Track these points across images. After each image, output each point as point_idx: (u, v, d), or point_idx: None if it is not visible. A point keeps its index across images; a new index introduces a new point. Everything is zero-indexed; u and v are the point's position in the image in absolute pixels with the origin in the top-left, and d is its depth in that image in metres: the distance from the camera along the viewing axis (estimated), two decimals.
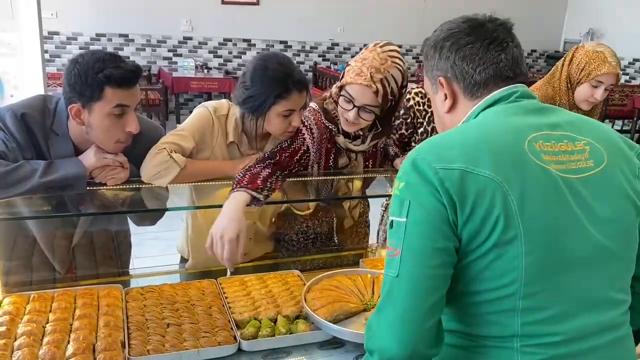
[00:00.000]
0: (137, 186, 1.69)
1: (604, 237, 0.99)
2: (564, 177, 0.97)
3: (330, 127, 1.81)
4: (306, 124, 1.81)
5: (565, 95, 2.30)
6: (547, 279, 0.95)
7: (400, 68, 1.70)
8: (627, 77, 9.21)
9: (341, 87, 1.73)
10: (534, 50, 10.06)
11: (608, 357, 1.00)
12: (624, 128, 8.76)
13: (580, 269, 0.97)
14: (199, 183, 1.79)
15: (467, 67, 1.08)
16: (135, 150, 1.73)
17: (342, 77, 1.74)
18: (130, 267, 2.02)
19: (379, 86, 1.65)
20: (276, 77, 1.68)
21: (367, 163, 1.97)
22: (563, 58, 2.35)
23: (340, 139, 1.83)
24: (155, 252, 3.38)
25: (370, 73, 1.65)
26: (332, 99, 1.82)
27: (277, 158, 1.79)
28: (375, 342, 0.99)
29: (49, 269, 1.82)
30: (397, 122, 2.10)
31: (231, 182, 1.73)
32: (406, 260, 0.95)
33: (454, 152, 0.96)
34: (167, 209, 1.80)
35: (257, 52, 8.26)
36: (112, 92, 1.54)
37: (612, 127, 8.58)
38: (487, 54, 1.07)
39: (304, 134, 1.81)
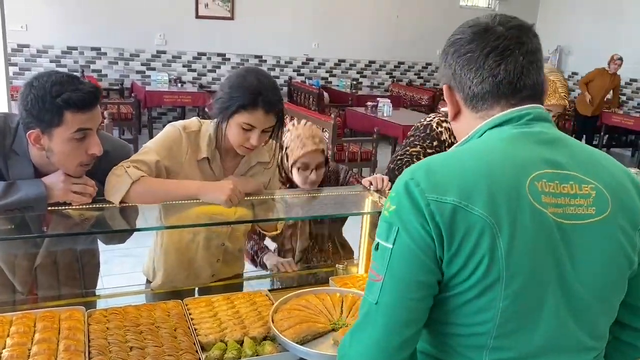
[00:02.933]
0: (102, 205, 1.65)
1: (587, 289, 0.95)
2: (559, 222, 0.92)
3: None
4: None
5: None
6: (521, 322, 0.93)
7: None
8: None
9: (293, 164, 2.07)
10: None
11: None
12: (592, 143, 8.99)
13: (555, 317, 0.94)
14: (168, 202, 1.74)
15: (465, 77, 1.00)
16: (102, 168, 1.70)
17: (288, 157, 2.08)
18: (98, 287, 1.97)
19: (322, 145, 2.08)
20: (248, 89, 1.66)
21: None
22: None
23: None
24: (126, 269, 3.32)
25: (311, 140, 2.05)
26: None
27: None
28: None
29: (10, 290, 1.76)
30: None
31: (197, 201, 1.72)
32: (387, 289, 0.92)
33: (450, 183, 0.90)
34: (135, 229, 1.76)
35: (232, 67, 8.26)
36: (72, 116, 1.49)
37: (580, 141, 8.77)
38: (484, 64, 0.98)
39: None
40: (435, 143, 2.02)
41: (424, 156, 1.92)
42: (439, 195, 0.89)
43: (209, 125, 1.80)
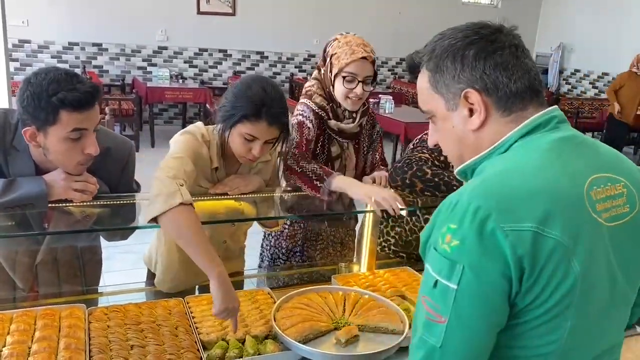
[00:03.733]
0: (104, 202, 1.64)
1: (630, 286, 0.96)
2: (609, 226, 0.90)
3: (321, 114, 1.96)
4: (305, 114, 1.93)
5: None
6: (587, 334, 0.92)
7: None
8: (597, 91, 9.44)
9: (337, 73, 1.89)
10: None
11: None
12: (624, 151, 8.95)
13: (607, 320, 0.94)
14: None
15: (501, 76, 0.94)
16: (105, 166, 1.69)
17: (332, 65, 1.90)
18: (99, 284, 1.96)
19: (373, 55, 1.89)
20: (252, 99, 1.63)
21: (357, 155, 2.11)
22: None
23: (332, 122, 1.97)
24: (127, 265, 3.31)
25: (362, 48, 1.87)
26: (317, 93, 1.97)
27: (304, 149, 1.90)
28: None
29: (11, 287, 1.75)
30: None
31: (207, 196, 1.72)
32: (454, 334, 0.85)
33: (522, 205, 0.83)
34: (137, 227, 1.75)
35: (233, 63, 8.24)
36: (68, 115, 1.46)
37: None
38: (517, 60, 0.95)
39: (309, 127, 1.92)
40: (442, 156, 1.92)
41: (433, 165, 1.87)
42: (515, 223, 0.82)
43: (215, 134, 1.75)
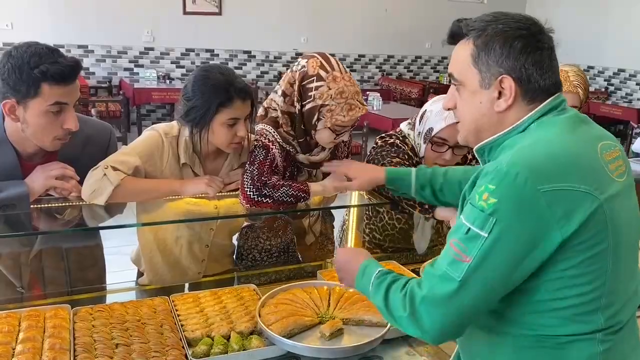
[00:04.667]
0: (83, 203, 1.64)
1: (634, 229, 1.11)
2: (620, 182, 1.06)
3: (287, 148, 1.79)
4: (270, 139, 1.76)
5: None
6: (616, 277, 1.05)
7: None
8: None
9: (328, 127, 1.71)
10: None
11: (634, 330, 1.15)
12: None
13: (633, 262, 1.10)
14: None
15: (536, 72, 1.07)
16: (86, 153, 1.69)
17: (320, 117, 1.69)
18: (86, 285, 1.96)
19: (366, 106, 1.77)
20: (218, 86, 1.65)
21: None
22: None
23: (301, 157, 1.83)
24: (114, 267, 3.30)
25: (357, 101, 1.70)
26: (283, 129, 1.78)
27: (265, 172, 1.73)
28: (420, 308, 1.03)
29: (11, 287, 1.75)
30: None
31: (176, 197, 1.71)
32: (475, 273, 0.99)
33: (554, 168, 0.98)
34: (123, 226, 1.75)
35: (221, 62, 8.21)
36: (49, 88, 1.46)
37: None
38: (551, 62, 1.09)
39: (272, 149, 1.76)
40: (406, 156, 1.93)
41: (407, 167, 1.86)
42: (550, 184, 0.96)
43: (185, 129, 1.76)
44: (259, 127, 1.81)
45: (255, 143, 1.78)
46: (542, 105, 1.08)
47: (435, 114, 1.81)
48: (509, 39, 1.06)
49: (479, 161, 1.21)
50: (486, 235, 0.97)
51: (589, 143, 1.06)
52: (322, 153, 1.86)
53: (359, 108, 1.69)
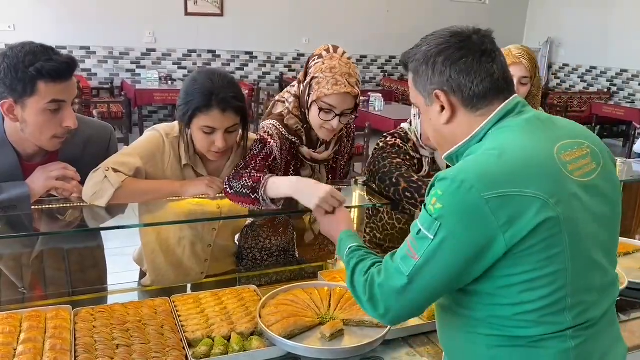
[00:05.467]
0: (84, 204, 1.64)
1: (606, 232, 1.12)
2: (582, 182, 1.08)
3: (292, 139, 1.80)
4: (270, 133, 1.77)
5: None
6: (581, 277, 1.07)
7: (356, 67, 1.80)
8: (585, 85, 9.50)
9: (315, 100, 1.71)
10: None
11: (611, 324, 1.18)
12: None
13: (602, 259, 1.12)
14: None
15: (464, 80, 1.11)
16: (87, 153, 1.69)
17: (311, 89, 1.72)
18: (88, 286, 1.96)
19: (357, 89, 1.72)
20: (200, 91, 1.64)
21: (329, 177, 1.97)
22: None
23: (305, 150, 1.83)
24: (116, 268, 3.31)
25: (346, 79, 1.69)
26: (292, 113, 1.80)
27: (252, 165, 1.72)
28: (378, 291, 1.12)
29: (13, 287, 1.76)
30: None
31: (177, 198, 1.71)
32: (420, 270, 1.05)
33: (500, 175, 1.01)
34: (125, 227, 1.75)
35: (222, 64, 8.23)
36: (45, 86, 1.46)
37: None
38: (480, 66, 1.11)
39: (271, 143, 1.76)
40: (407, 156, 1.92)
41: (408, 167, 1.85)
42: (494, 191, 0.99)
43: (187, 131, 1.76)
44: (263, 122, 1.83)
45: (256, 137, 1.80)
46: (494, 113, 1.12)
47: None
48: (430, 57, 1.14)
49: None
50: (432, 237, 1.03)
51: (545, 145, 1.07)
52: (325, 152, 1.87)
53: (344, 85, 1.67)
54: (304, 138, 1.82)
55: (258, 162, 1.74)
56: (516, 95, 1.15)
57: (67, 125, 1.54)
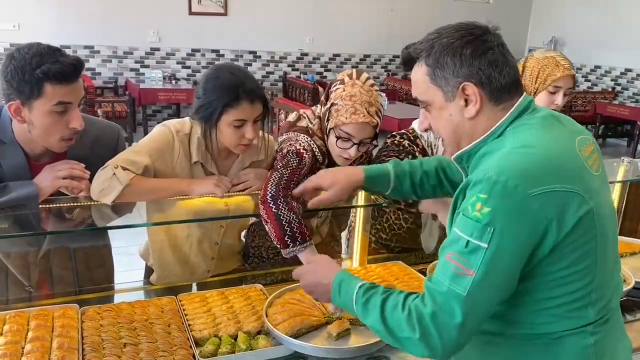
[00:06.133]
0: (91, 203, 1.64)
1: (613, 221, 1.14)
2: (597, 175, 1.09)
3: (318, 157, 1.78)
4: (307, 148, 1.73)
5: None
6: (604, 271, 1.08)
7: (380, 94, 1.77)
8: (589, 84, 9.48)
9: (333, 127, 1.70)
10: None
11: (619, 318, 1.19)
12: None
13: (615, 254, 1.14)
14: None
15: (493, 72, 1.09)
16: (94, 153, 1.70)
17: (329, 118, 1.70)
18: (94, 285, 1.97)
19: (377, 119, 1.70)
20: (226, 86, 1.65)
21: None
22: None
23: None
24: (121, 267, 3.32)
25: (365, 109, 1.66)
26: (317, 135, 1.79)
27: (294, 180, 1.66)
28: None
29: (20, 286, 1.77)
30: None
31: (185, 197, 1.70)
32: (480, 284, 0.98)
33: (541, 172, 0.99)
34: (131, 226, 1.75)
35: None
36: (52, 88, 1.47)
37: None
38: (505, 58, 1.10)
39: (305, 158, 1.72)
40: (411, 157, 1.89)
41: None
42: (537, 187, 0.97)
43: (198, 127, 1.76)
44: (290, 133, 1.78)
45: (289, 148, 1.72)
46: (512, 109, 1.11)
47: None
48: (457, 49, 1.09)
49: (459, 169, 1.21)
50: (486, 245, 0.97)
51: (568, 141, 1.08)
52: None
53: (363, 115, 1.65)
54: (326, 160, 1.81)
55: (296, 177, 1.68)
56: (525, 94, 1.15)
57: (74, 126, 1.55)
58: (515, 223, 0.97)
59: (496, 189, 0.98)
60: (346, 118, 1.66)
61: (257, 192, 1.75)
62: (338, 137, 1.70)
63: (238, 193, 1.79)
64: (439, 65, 1.11)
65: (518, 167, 1.00)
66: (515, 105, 1.11)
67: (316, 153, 1.76)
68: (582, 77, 9.57)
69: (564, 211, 0.99)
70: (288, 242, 1.57)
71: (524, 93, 1.14)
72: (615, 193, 2.49)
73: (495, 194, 0.98)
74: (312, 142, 1.76)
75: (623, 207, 2.50)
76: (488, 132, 1.11)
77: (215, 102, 1.65)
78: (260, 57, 8.49)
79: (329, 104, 1.72)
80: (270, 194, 1.61)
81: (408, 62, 1.18)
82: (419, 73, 1.15)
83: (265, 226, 1.62)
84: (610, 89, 9.02)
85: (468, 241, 0.99)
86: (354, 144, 1.70)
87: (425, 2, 9.13)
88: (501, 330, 1.10)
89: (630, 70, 8.83)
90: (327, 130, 1.74)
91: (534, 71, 2.19)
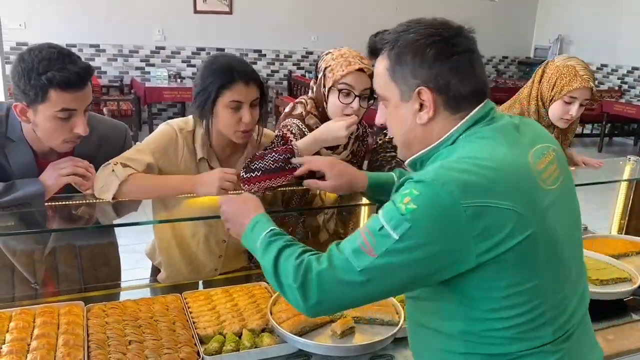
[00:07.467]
0: (97, 200, 1.65)
1: (578, 236, 1.12)
2: (552, 189, 1.03)
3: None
4: (293, 131, 1.81)
5: (535, 114, 2.19)
6: (561, 288, 1.04)
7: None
8: (596, 82, 9.41)
9: (332, 86, 1.75)
10: (505, 57, 10.24)
11: (587, 330, 1.15)
12: (593, 132, 8.95)
13: (577, 267, 1.10)
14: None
15: (454, 79, 1.03)
16: (101, 152, 1.70)
17: (325, 79, 1.77)
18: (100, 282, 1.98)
19: (372, 68, 1.70)
20: (220, 69, 1.67)
21: None
22: (534, 75, 2.25)
23: (323, 151, 1.83)
24: (128, 264, 3.33)
25: (358, 60, 1.75)
26: (311, 113, 1.83)
27: (269, 156, 1.69)
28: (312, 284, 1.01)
29: (10, 286, 1.77)
30: None
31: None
32: (375, 269, 0.96)
33: (480, 184, 0.94)
34: (136, 223, 1.76)
35: None
36: (56, 95, 1.47)
37: (582, 131, 8.77)
38: (470, 66, 1.04)
39: (291, 140, 1.76)
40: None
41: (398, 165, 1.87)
42: (473, 200, 0.93)
43: (201, 125, 1.76)
44: (285, 121, 1.86)
45: (277, 133, 1.82)
46: (468, 116, 1.05)
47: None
48: (420, 48, 1.03)
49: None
50: (397, 237, 0.94)
51: (520, 155, 1.02)
52: (343, 152, 1.88)
53: (358, 64, 1.72)
54: None
55: (276, 149, 1.72)
56: (488, 100, 1.09)
57: (77, 132, 1.55)
58: (433, 229, 0.93)
59: (429, 191, 0.94)
60: (343, 70, 1.73)
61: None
62: (340, 92, 1.74)
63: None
64: (400, 61, 1.05)
65: (458, 176, 0.95)
66: (471, 114, 1.05)
67: (306, 132, 1.80)
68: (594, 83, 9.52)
69: (493, 228, 0.93)
70: (292, 167, 1.61)
71: (486, 100, 1.08)
72: (621, 192, 2.49)
73: (426, 194, 0.94)
74: (300, 124, 1.82)
75: (629, 205, 2.49)
76: (441, 140, 1.06)
77: (211, 85, 1.66)
78: (265, 55, 8.50)
79: (321, 72, 1.79)
80: (245, 174, 1.63)
81: (374, 51, 1.15)
82: (381, 65, 1.10)
83: (272, 186, 1.64)
84: (616, 88, 8.98)
85: (383, 226, 0.96)
86: (356, 95, 1.74)
87: (430, 1, 9.11)
88: (459, 349, 1.06)
89: (637, 69, 8.78)
90: (327, 95, 1.77)
91: (551, 79, 2.13)
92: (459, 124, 1.05)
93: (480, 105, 1.06)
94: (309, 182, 1.59)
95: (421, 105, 1.05)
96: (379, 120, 1.20)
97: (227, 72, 1.65)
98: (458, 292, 1.01)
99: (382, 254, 0.95)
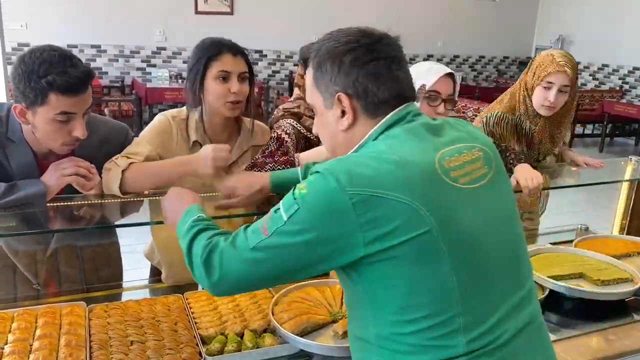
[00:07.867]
0: (99, 201, 1.65)
1: (504, 236, 1.07)
2: (469, 188, 1.02)
3: (309, 136, 1.89)
4: (288, 132, 1.87)
5: (523, 104, 2.25)
6: (479, 293, 1.00)
7: None
8: (597, 82, 9.43)
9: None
10: (506, 57, 10.24)
11: (533, 345, 1.07)
12: (594, 132, 8.95)
13: (504, 276, 1.05)
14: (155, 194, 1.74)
15: (372, 85, 1.05)
16: (102, 152, 1.71)
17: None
18: (101, 283, 1.98)
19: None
20: (208, 43, 1.76)
21: None
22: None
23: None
24: (129, 265, 3.33)
25: None
26: (306, 115, 1.90)
27: (271, 161, 1.78)
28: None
29: (27, 284, 1.78)
30: None
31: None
32: (265, 247, 1.00)
33: (371, 175, 0.95)
34: (137, 224, 1.76)
35: None
36: (56, 98, 1.47)
37: (583, 131, 8.77)
38: (390, 72, 1.05)
39: (288, 142, 1.84)
40: None
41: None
42: (362, 189, 0.94)
43: (195, 112, 1.84)
44: (279, 122, 1.91)
45: (272, 134, 1.88)
46: (383, 120, 1.06)
47: (425, 71, 1.83)
48: (338, 55, 1.06)
49: None
50: (286, 219, 0.98)
51: (426, 152, 1.01)
52: None
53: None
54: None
55: (277, 158, 1.80)
56: (410, 103, 1.10)
57: (76, 135, 1.55)
58: (316, 214, 0.96)
59: (320, 179, 0.97)
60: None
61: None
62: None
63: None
64: (320, 69, 1.09)
65: (350, 165, 0.97)
66: (386, 117, 1.06)
67: (302, 131, 1.88)
68: (590, 75, 9.53)
69: (384, 219, 0.93)
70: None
71: (407, 104, 1.09)
72: (623, 192, 2.48)
73: (317, 181, 0.97)
74: (295, 123, 1.89)
75: (631, 206, 2.49)
76: (359, 144, 1.08)
77: (200, 60, 1.74)
78: (266, 56, 8.50)
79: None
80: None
81: (305, 60, 1.18)
82: (308, 74, 1.14)
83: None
84: (617, 88, 8.98)
85: (279, 208, 1.00)
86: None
87: (431, 2, 9.12)
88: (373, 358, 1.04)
89: (638, 69, 8.78)
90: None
91: (533, 68, 2.22)
92: (375, 127, 1.07)
93: (398, 109, 1.07)
94: (219, 205, 1.57)
95: (343, 112, 1.08)
96: (313, 129, 1.22)
97: (215, 45, 1.75)
98: (366, 292, 1.01)
99: (273, 233, 0.99)
